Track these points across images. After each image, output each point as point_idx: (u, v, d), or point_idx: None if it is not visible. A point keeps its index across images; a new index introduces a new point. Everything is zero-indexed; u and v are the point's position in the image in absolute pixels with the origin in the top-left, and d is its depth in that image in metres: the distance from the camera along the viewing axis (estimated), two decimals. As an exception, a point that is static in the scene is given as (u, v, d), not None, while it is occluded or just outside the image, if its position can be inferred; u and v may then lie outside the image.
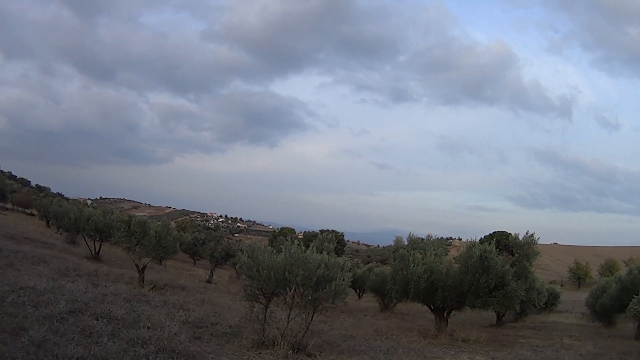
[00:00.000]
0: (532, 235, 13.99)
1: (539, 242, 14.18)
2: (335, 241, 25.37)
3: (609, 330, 18.86)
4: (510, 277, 13.08)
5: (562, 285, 49.30)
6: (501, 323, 19.27)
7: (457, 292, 13.29)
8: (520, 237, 14.10)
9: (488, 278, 12.73)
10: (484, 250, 12.81)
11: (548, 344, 13.54)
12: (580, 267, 67.73)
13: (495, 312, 18.19)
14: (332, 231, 47.75)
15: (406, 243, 14.64)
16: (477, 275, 12.77)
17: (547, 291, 22.15)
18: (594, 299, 20.96)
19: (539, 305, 20.47)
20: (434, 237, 15.23)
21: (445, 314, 14.15)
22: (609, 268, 61.27)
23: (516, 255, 13.92)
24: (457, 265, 13.90)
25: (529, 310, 20.83)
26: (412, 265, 13.17)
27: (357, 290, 29.18)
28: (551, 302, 25.50)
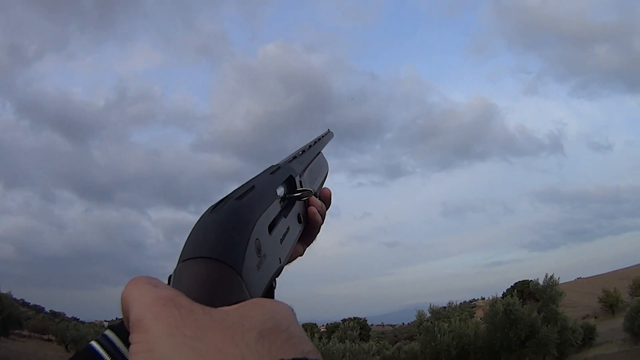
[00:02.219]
0: (551, 277, 14.03)
1: (562, 280, 14.25)
2: (358, 328, 24.96)
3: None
4: (540, 324, 12.96)
5: (596, 318, 48.01)
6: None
7: (490, 351, 13.09)
8: (541, 282, 14.12)
9: (517, 330, 12.62)
10: (507, 304, 12.80)
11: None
12: (610, 294, 66.18)
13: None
14: (354, 318, 46.83)
15: (429, 315, 14.57)
16: (505, 330, 12.67)
17: (581, 327, 21.69)
18: (630, 321, 20.58)
19: (577, 343, 19.97)
20: (455, 303, 15.19)
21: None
22: (637, 287, 60.04)
23: (540, 300, 13.85)
24: (484, 325, 13.78)
25: (567, 351, 20.31)
26: (439, 336, 13.05)
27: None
28: (588, 336, 24.84)
